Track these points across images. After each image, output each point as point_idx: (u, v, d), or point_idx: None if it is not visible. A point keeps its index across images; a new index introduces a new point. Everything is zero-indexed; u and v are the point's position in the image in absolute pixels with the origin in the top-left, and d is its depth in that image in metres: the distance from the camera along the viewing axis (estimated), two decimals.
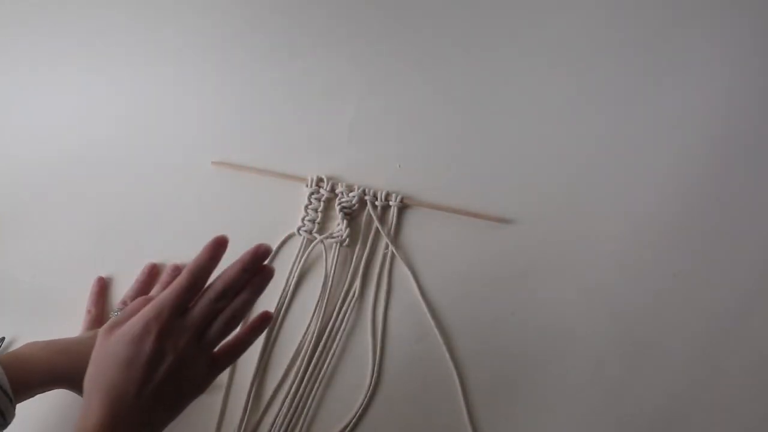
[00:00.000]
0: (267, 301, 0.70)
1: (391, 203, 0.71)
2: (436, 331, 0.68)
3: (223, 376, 0.67)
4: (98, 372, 0.45)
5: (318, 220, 0.71)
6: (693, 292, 0.70)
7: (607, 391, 0.68)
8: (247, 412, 0.67)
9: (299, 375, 0.67)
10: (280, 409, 0.67)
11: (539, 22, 0.76)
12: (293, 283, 0.70)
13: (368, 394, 0.67)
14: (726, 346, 0.69)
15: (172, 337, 0.45)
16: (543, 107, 0.75)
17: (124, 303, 0.67)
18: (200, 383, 0.49)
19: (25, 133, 0.77)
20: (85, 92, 0.78)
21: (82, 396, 0.48)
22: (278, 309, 0.69)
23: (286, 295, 0.70)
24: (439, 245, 0.71)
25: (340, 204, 0.70)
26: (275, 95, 0.77)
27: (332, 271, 0.69)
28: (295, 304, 0.70)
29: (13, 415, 0.52)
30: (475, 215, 0.71)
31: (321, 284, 0.69)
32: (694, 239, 0.71)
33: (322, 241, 0.70)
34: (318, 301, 0.69)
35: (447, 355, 0.68)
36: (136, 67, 0.79)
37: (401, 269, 0.71)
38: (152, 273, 0.69)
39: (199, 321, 0.46)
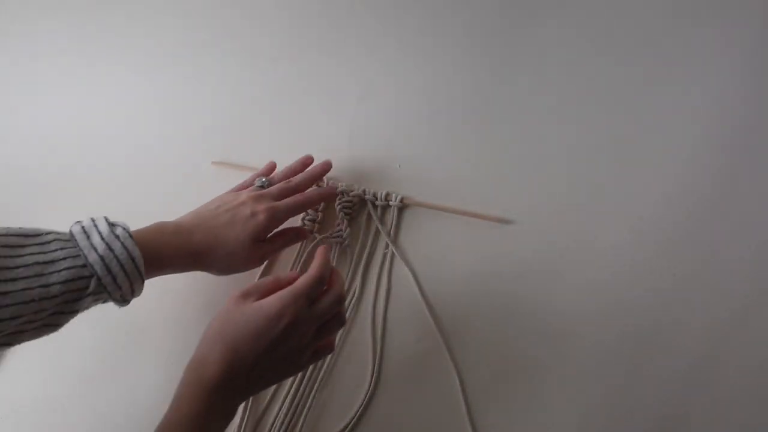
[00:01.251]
0: None
1: (391, 203, 0.71)
2: (436, 330, 0.68)
3: None
4: (227, 331, 0.51)
5: (318, 219, 0.71)
6: (693, 292, 0.70)
7: (607, 391, 0.68)
8: (248, 411, 0.67)
9: (299, 375, 0.67)
10: (279, 409, 0.67)
11: (539, 23, 0.76)
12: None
13: (368, 394, 0.67)
14: (726, 345, 0.69)
15: (300, 325, 0.52)
16: (543, 107, 0.75)
17: (265, 176, 0.69)
18: (301, 367, 0.57)
19: (25, 133, 0.77)
20: (86, 93, 0.79)
21: (210, 272, 0.61)
22: None
23: None
24: (439, 245, 0.72)
25: (340, 203, 0.70)
26: (275, 95, 0.77)
27: None
28: None
29: (140, 291, 0.55)
30: (475, 215, 0.71)
31: None
32: (694, 239, 0.71)
33: (322, 240, 0.70)
34: None
35: (447, 355, 0.68)
36: (137, 67, 0.79)
37: (401, 269, 0.71)
38: (306, 163, 0.71)
39: (323, 316, 0.54)
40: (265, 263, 0.71)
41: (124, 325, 0.70)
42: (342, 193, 0.71)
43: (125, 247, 0.52)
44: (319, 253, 0.56)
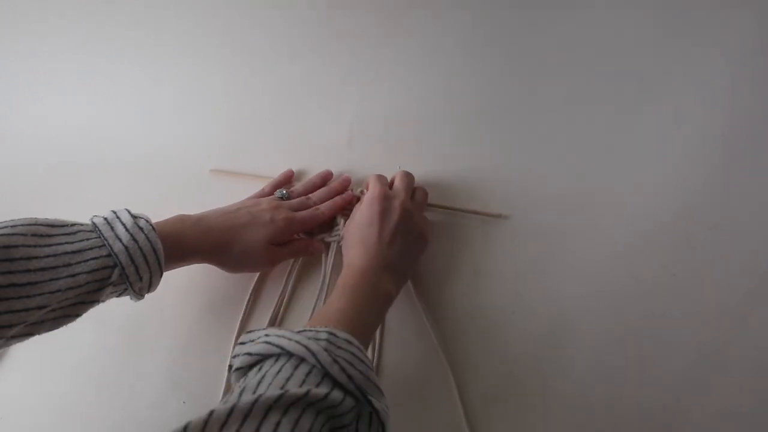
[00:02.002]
0: (267, 301, 0.70)
1: None
2: (431, 332, 0.68)
3: (219, 382, 0.67)
4: (350, 235, 0.63)
5: None
6: (693, 292, 0.70)
7: (608, 388, 0.67)
8: None
9: None
10: None
11: (540, 23, 0.77)
12: (292, 282, 0.70)
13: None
14: (726, 345, 0.68)
15: (392, 198, 0.63)
16: (542, 105, 0.75)
17: (285, 188, 0.72)
18: (423, 231, 0.65)
19: (24, 134, 0.77)
20: (85, 98, 0.79)
21: (221, 268, 0.64)
22: (277, 308, 0.69)
23: (285, 294, 0.70)
24: (439, 243, 0.72)
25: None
26: (275, 97, 0.78)
27: (330, 271, 0.69)
28: (295, 304, 0.70)
29: (157, 285, 0.57)
30: (474, 212, 0.71)
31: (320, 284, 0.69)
32: (694, 239, 0.71)
33: (320, 240, 0.70)
34: (316, 300, 0.69)
35: (443, 357, 0.67)
36: (136, 73, 0.79)
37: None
38: (325, 178, 0.74)
39: (407, 188, 0.66)
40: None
41: (123, 325, 0.70)
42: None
43: (149, 239, 0.53)
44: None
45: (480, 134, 0.75)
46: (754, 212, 0.71)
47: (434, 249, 0.71)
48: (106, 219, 0.54)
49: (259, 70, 0.78)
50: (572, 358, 0.68)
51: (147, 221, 0.55)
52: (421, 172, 0.73)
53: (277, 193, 0.70)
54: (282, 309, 0.70)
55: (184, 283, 0.70)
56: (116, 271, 0.52)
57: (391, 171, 0.74)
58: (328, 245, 0.70)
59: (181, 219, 0.60)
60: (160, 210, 0.72)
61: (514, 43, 0.77)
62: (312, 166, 0.74)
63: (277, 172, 0.73)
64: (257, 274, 0.71)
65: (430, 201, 0.72)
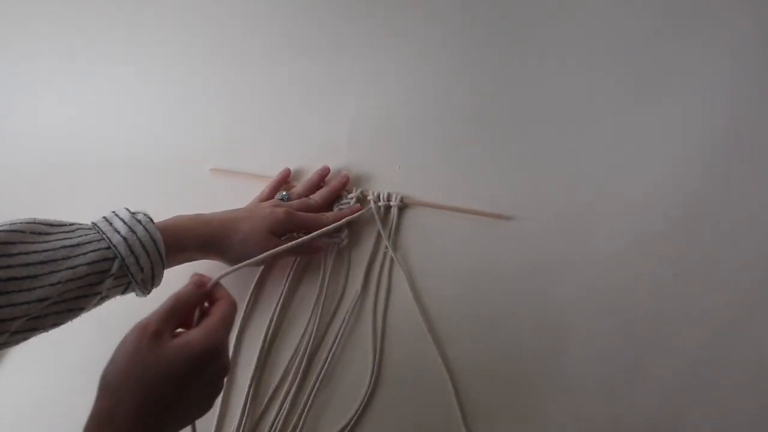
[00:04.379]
0: (267, 301, 0.70)
1: (391, 203, 0.71)
2: (428, 334, 0.68)
3: None
4: (142, 378, 0.43)
5: None
6: (693, 292, 0.70)
7: (607, 391, 0.67)
8: (246, 412, 0.67)
9: (298, 375, 0.67)
10: (279, 410, 0.67)
11: (540, 24, 0.77)
12: (289, 283, 0.70)
13: (368, 394, 0.67)
14: (726, 345, 0.68)
15: (226, 352, 0.49)
16: (544, 106, 0.75)
17: (285, 189, 0.72)
18: (220, 390, 0.50)
19: (23, 133, 0.77)
20: (84, 96, 0.79)
21: (222, 260, 0.62)
22: (277, 308, 0.69)
23: (283, 295, 0.70)
24: (440, 244, 0.72)
25: (338, 206, 0.70)
26: (274, 97, 0.77)
27: (329, 272, 0.69)
28: (294, 305, 0.70)
29: (160, 279, 0.57)
30: (475, 212, 0.71)
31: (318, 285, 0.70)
32: (694, 239, 0.71)
33: (319, 240, 0.70)
34: (315, 301, 0.69)
35: (440, 359, 0.67)
36: (135, 72, 0.79)
37: (400, 271, 0.71)
38: (323, 174, 0.73)
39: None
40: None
41: (123, 325, 0.70)
42: (341, 195, 0.71)
43: (147, 230, 0.54)
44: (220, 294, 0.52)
45: (481, 134, 0.75)
46: (754, 212, 0.71)
47: (433, 250, 0.71)
48: (105, 217, 0.55)
49: (259, 69, 0.78)
50: (572, 359, 0.68)
51: (145, 215, 0.56)
52: (421, 172, 0.74)
53: (278, 195, 0.70)
54: (282, 309, 0.70)
55: (184, 283, 0.69)
56: (116, 263, 0.52)
57: (391, 171, 0.74)
58: (327, 246, 0.70)
59: (178, 217, 0.61)
60: (160, 209, 0.72)
61: (514, 42, 0.77)
62: (312, 164, 0.74)
63: (277, 171, 0.73)
64: (257, 274, 0.70)
65: (432, 201, 0.72)
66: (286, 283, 0.70)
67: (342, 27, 0.78)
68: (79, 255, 0.50)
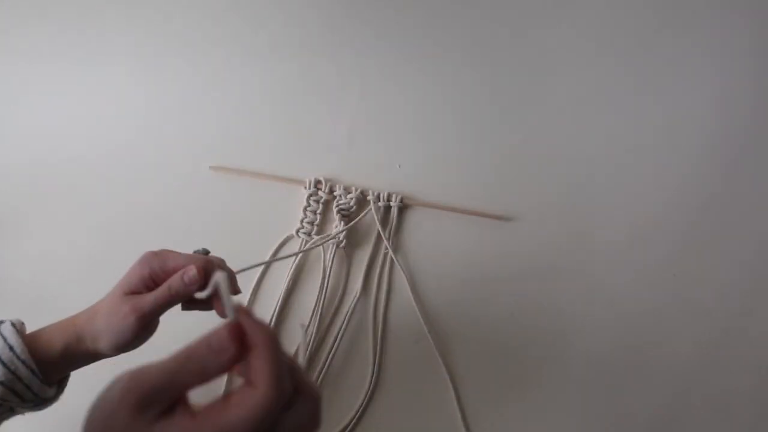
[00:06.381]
0: (267, 301, 0.70)
1: (391, 204, 0.71)
2: (428, 334, 0.68)
3: (221, 380, 0.67)
4: None
5: (317, 222, 0.71)
6: (692, 292, 0.70)
7: (607, 391, 0.68)
8: None
9: None
10: None
11: (539, 24, 0.76)
12: (291, 284, 0.70)
13: (368, 395, 0.67)
14: (725, 345, 0.69)
15: None
16: (544, 106, 0.74)
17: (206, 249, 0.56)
18: None
19: (26, 134, 0.76)
20: (84, 94, 0.78)
21: (101, 351, 0.48)
22: (275, 309, 0.69)
23: (282, 296, 0.70)
24: (440, 244, 0.71)
25: (337, 206, 0.70)
26: (275, 96, 0.76)
27: (329, 272, 0.69)
28: (294, 306, 0.70)
29: (48, 391, 0.48)
30: (475, 213, 0.71)
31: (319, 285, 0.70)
32: (693, 240, 0.71)
33: (319, 242, 0.70)
34: (316, 301, 0.69)
35: (440, 360, 0.68)
36: (135, 69, 0.78)
37: (400, 272, 0.71)
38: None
39: None
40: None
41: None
42: (340, 195, 0.71)
43: (2, 336, 0.45)
44: (260, 346, 0.32)
45: (481, 134, 0.74)
46: (754, 211, 0.71)
47: (433, 250, 0.71)
48: None
49: (260, 67, 0.77)
50: (572, 359, 0.68)
51: (11, 322, 0.47)
52: (421, 173, 0.73)
53: (196, 247, 0.55)
54: (281, 310, 0.70)
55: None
56: None
57: (391, 170, 0.73)
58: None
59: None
60: (161, 207, 0.72)
61: (517, 41, 0.76)
62: (312, 164, 0.74)
63: (278, 169, 0.73)
64: (258, 275, 0.70)
65: (432, 201, 0.72)
66: (285, 283, 0.70)
67: (343, 26, 0.77)
68: None
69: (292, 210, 0.72)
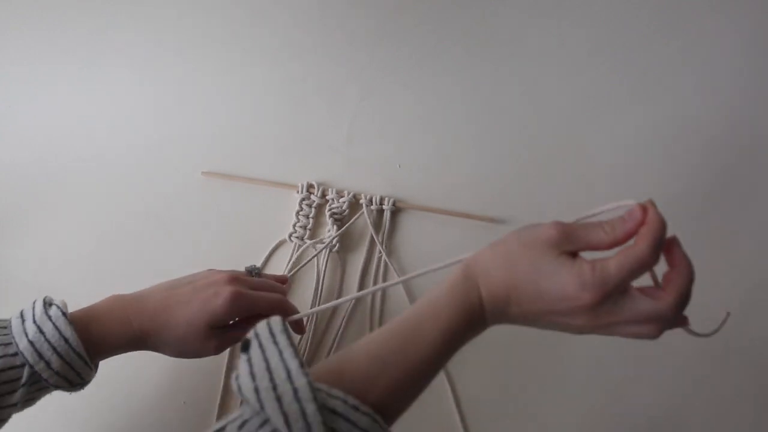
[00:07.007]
0: None
1: (384, 207, 0.70)
2: None
3: (218, 383, 0.68)
4: (521, 265, 0.42)
5: (309, 226, 0.70)
6: (692, 292, 0.69)
7: (606, 392, 0.67)
8: None
9: None
10: None
11: (537, 25, 0.75)
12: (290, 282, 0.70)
13: None
14: (725, 345, 0.68)
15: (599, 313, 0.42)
16: (537, 107, 0.74)
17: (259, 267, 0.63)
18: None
19: (26, 136, 0.77)
20: (77, 95, 0.78)
21: (166, 354, 0.52)
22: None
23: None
24: (433, 247, 0.71)
25: (330, 210, 0.69)
26: (270, 99, 0.77)
27: (323, 277, 0.69)
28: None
29: (90, 376, 0.50)
30: (468, 216, 0.70)
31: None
32: (693, 238, 0.69)
33: (312, 246, 0.69)
34: (311, 306, 0.68)
35: None
36: (128, 71, 0.79)
37: (395, 275, 0.70)
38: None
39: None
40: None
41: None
42: (332, 199, 0.70)
43: (57, 328, 0.47)
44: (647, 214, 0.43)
45: (477, 137, 0.74)
46: (754, 210, 0.70)
47: (427, 253, 0.70)
48: (21, 312, 0.49)
49: (250, 74, 0.77)
50: (570, 360, 0.67)
51: (59, 308, 0.48)
52: (415, 175, 0.73)
53: (247, 266, 0.60)
54: None
55: None
56: (26, 370, 0.46)
57: (391, 170, 0.73)
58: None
59: (109, 304, 0.52)
60: (155, 212, 0.72)
61: (512, 40, 0.75)
62: (310, 165, 0.73)
63: (269, 174, 0.72)
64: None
65: (424, 205, 0.71)
66: None
67: (339, 28, 0.77)
68: None
69: (284, 215, 0.71)
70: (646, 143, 0.72)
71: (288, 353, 0.35)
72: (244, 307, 0.52)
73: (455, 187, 0.72)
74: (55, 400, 0.69)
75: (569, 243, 0.42)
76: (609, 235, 0.42)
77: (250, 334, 0.37)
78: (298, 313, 0.57)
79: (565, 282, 0.40)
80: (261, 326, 0.37)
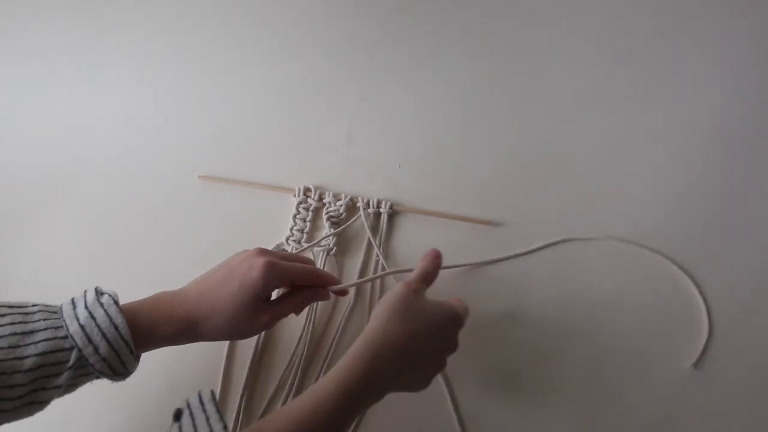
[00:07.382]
0: None
1: (381, 210, 0.70)
2: None
3: (218, 383, 0.67)
4: (408, 313, 0.50)
5: (306, 229, 0.70)
6: (693, 292, 0.68)
7: (606, 391, 0.66)
8: (240, 424, 0.67)
9: (293, 387, 0.67)
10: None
11: (536, 26, 0.75)
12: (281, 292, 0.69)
13: None
14: (725, 345, 0.67)
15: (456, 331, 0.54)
16: (537, 108, 0.73)
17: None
18: (429, 382, 0.54)
19: (26, 136, 0.77)
20: (76, 98, 0.79)
21: (209, 340, 0.54)
22: None
23: None
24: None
25: (327, 213, 0.69)
26: (269, 100, 0.76)
27: None
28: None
29: (133, 366, 0.51)
30: (465, 219, 0.69)
31: None
32: (691, 240, 0.69)
33: (309, 249, 0.69)
34: (308, 310, 0.68)
35: None
36: (126, 74, 0.79)
37: (392, 279, 0.69)
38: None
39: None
40: None
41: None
42: (329, 202, 0.70)
43: (108, 315, 0.48)
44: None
45: (482, 134, 0.73)
46: (754, 211, 0.70)
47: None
48: (73, 298, 0.50)
49: (246, 78, 0.77)
50: (568, 361, 0.67)
51: (111, 297, 0.50)
52: (412, 178, 0.72)
53: (277, 243, 0.63)
54: None
55: None
56: (74, 354, 0.47)
57: (391, 170, 0.72)
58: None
59: (156, 297, 0.54)
60: (152, 216, 0.72)
61: (512, 40, 0.75)
62: (309, 168, 0.73)
63: (273, 175, 0.72)
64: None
65: (421, 208, 0.70)
66: (276, 292, 0.69)
67: (339, 28, 0.77)
68: (29, 344, 0.46)
69: (281, 218, 0.71)
70: (646, 144, 0.71)
71: (214, 419, 0.42)
72: (278, 275, 0.54)
73: (454, 188, 0.71)
74: (55, 400, 0.70)
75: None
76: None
77: (183, 405, 0.43)
78: (333, 280, 0.60)
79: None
80: (192, 397, 0.44)
